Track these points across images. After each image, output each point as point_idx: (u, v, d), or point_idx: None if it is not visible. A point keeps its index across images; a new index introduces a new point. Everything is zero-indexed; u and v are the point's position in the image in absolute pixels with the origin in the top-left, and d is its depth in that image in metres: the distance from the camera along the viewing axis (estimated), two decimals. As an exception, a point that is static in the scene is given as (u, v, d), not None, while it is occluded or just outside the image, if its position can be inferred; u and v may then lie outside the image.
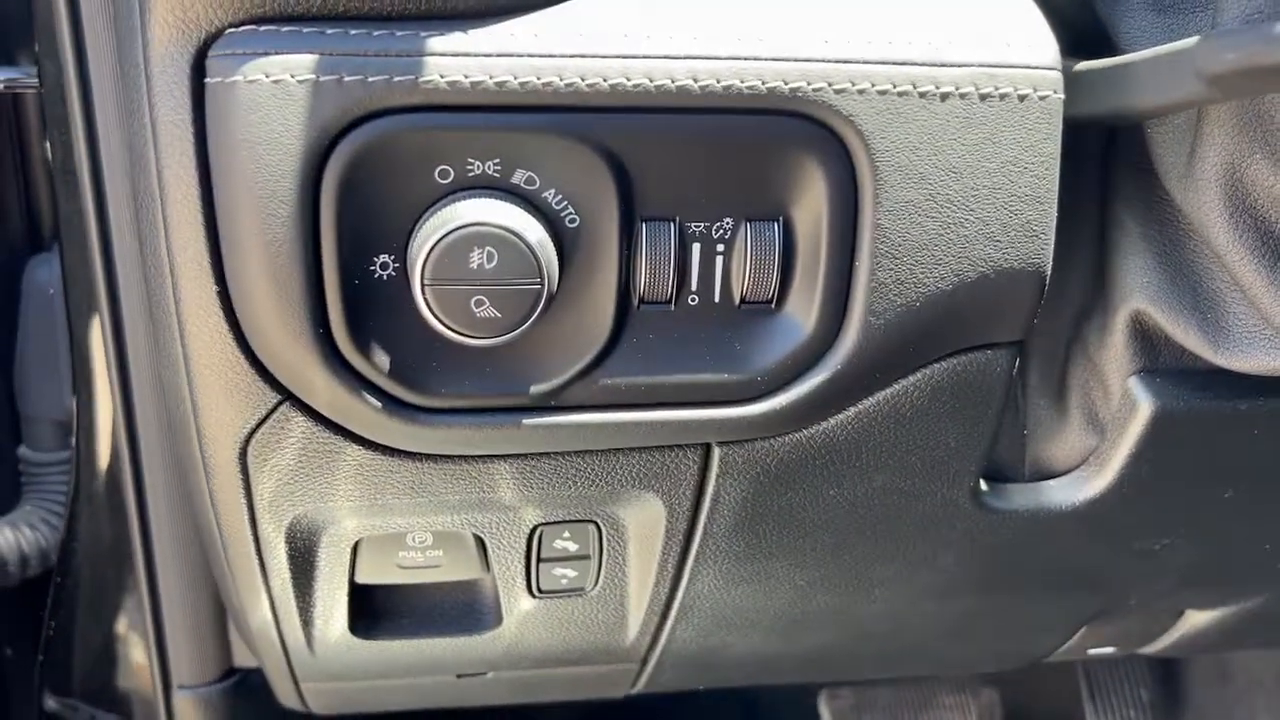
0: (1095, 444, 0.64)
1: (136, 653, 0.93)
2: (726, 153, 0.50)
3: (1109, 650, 0.88)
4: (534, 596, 0.67)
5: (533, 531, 0.63)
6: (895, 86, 0.50)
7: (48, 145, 0.89)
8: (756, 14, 0.50)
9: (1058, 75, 0.51)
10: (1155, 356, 0.61)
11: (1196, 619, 0.83)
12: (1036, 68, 0.51)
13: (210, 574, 0.81)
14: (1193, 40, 0.46)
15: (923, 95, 0.50)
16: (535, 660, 0.74)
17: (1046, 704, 1.39)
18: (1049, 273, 0.54)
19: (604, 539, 0.64)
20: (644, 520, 0.63)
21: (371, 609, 0.69)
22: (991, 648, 0.84)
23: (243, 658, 0.86)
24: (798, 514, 0.63)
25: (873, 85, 0.50)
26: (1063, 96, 0.51)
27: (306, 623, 0.67)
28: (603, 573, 0.66)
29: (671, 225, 0.51)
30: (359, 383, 0.51)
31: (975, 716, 1.27)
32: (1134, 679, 1.39)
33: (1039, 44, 0.52)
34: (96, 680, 0.98)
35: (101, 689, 0.98)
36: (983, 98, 0.51)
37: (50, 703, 1.02)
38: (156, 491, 0.78)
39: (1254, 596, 0.79)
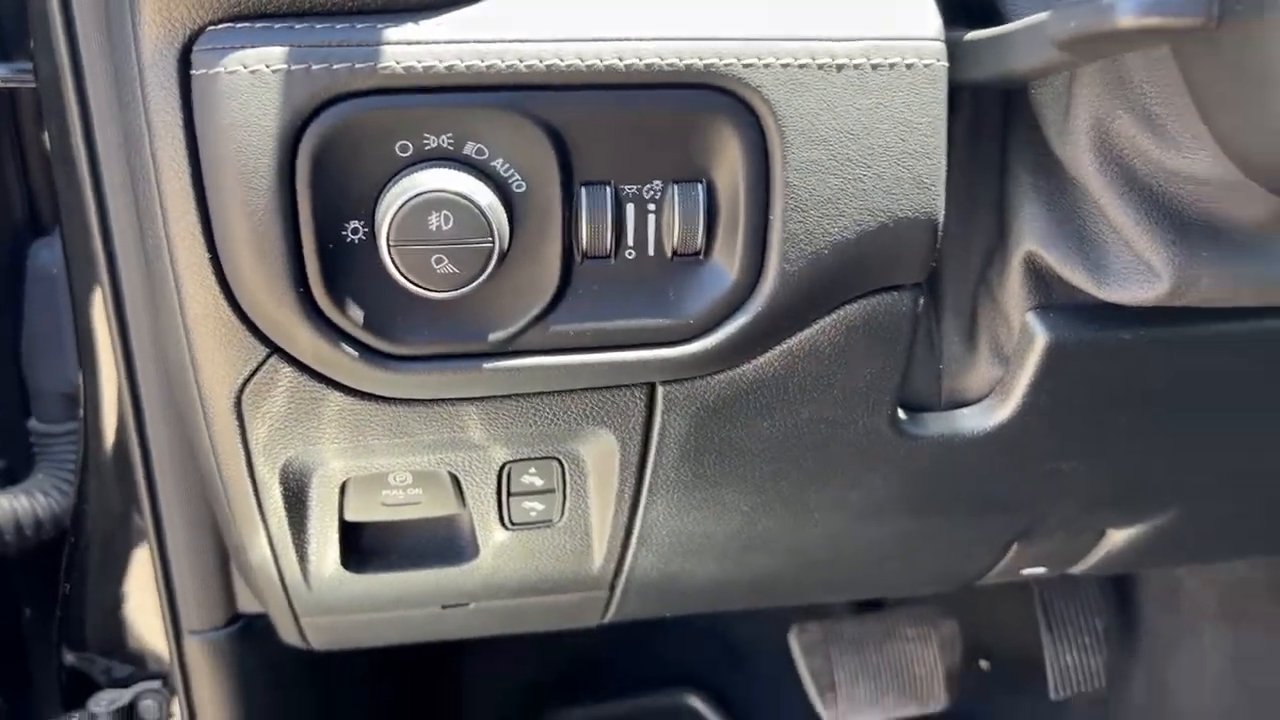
0: (1001, 375, 0.71)
1: (147, 605, 1.01)
2: (653, 123, 0.58)
3: (1041, 570, 0.96)
4: (507, 529, 0.75)
5: (502, 469, 0.71)
6: (797, 60, 0.57)
7: (45, 137, 0.95)
8: (673, 9, 0.57)
9: (940, 45, 0.58)
10: (1049, 294, 0.68)
11: (1116, 537, 0.91)
12: (921, 39, 0.58)
13: (213, 528, 0.88)
14: (1048, 13, 0.53)
15: (821, 67, 0.57)
16: (513, 590, 0.82)
17: (1005, 634, 1.47)
18: (941, 220, 0.61)
19: (566, 473, 0.72)
20: (600, 455, 0.70)
21: (361, 546, 0.77)
22: (927, 569, 0.92)
23: (246, 604, 0.94)
24: (737, 444, 0.70)
25: (777, 60, 0.57)
26: (946, 64, 0.59)
27: (302, 558, 0.74)
28: (567, 505, 0.74)
29: (608, 188, 0.58)
30: (337, 335, 0.59)
31: (936, 646, 1.36)
32: (1089, 608, 1.47)
33: (923, 17, 0.59)
34: (111, 633, 1.06)
35: (116, 641, 1.05)
36: (874, 67, 0.58)
37: (69, 657, 1.09)
38: (161, 454, 0.86)
39: (1162, 514, 0.87)
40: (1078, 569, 0.97)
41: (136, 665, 1.07)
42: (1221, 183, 0.58)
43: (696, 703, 1.54)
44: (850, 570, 0.88)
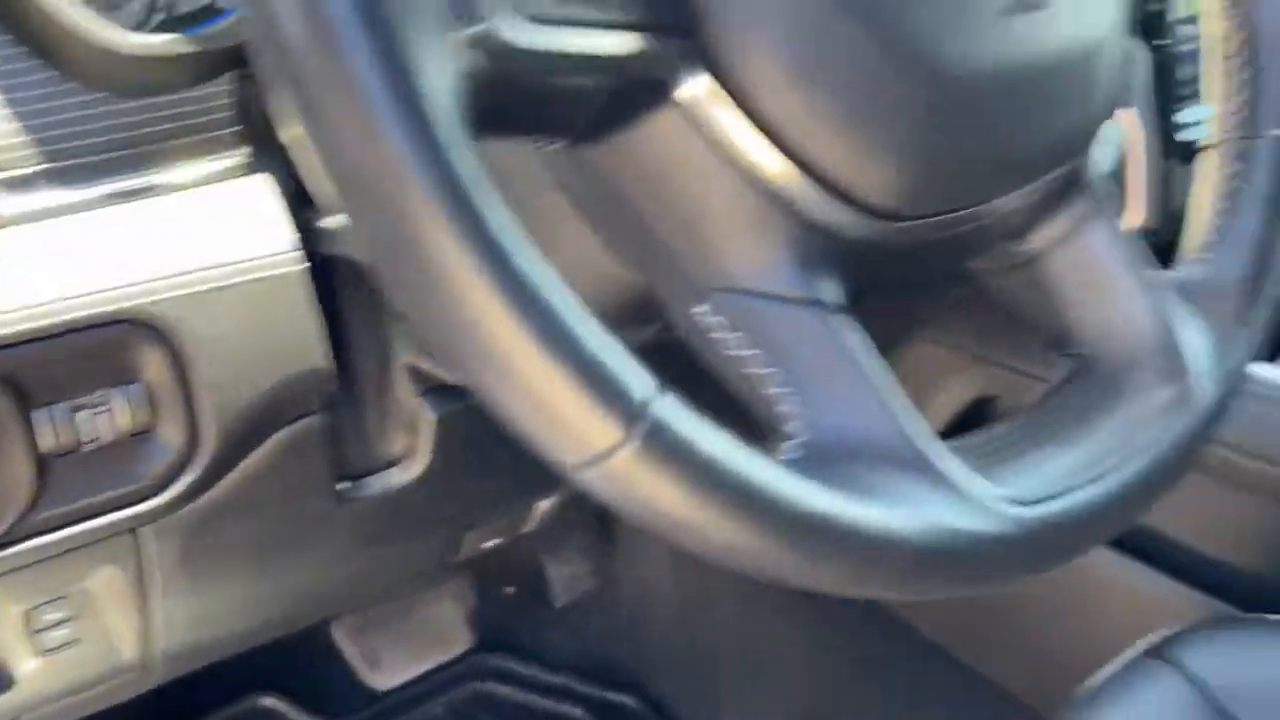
0: (414, 441, 0.98)
1: None
2: (89, 351, 0.75)
3: (498, 541, 1.27)
4: (40, 656, 0.90)
5: (24, 616, 0.86)
6: (191, 289, 0.77)
7: None
8: (88, 266, 0.74)
9: (295, 254, 0.80)
10: (427, 382, 0.95)
11: (540, 507, 1.24)
12: (281, 254, 0.80)
13: None
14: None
15: (210, 290, 0.77)
16: (59, 694, 0.97)
17: (513, 567, 1.81)
18: (325, 368, 0.84)
19: (83, 604, 0.88)
20: (108, 582, 0.88)
21: None
22: (410, 569, 1.19)
23: None
24: (217, 545, 0.91)
25: (177, 291, 0.76)
26: (302, 268, 0.81)
27: None
28: (90, 625, 0.90)
29: (60, 405, 0.75)
30: None
31: (451, 601, 1.66)
32: (576, 530, 1.85)
33: (279, 237, 0.80)
34: None
35: None
36: (252, 282, 0.79)
37: None
38: None
39: None
40: (524, 531, 1.30)
41: None
42: None
43: (272, 701, 1.73)
44: (347, 595, 1.13)
